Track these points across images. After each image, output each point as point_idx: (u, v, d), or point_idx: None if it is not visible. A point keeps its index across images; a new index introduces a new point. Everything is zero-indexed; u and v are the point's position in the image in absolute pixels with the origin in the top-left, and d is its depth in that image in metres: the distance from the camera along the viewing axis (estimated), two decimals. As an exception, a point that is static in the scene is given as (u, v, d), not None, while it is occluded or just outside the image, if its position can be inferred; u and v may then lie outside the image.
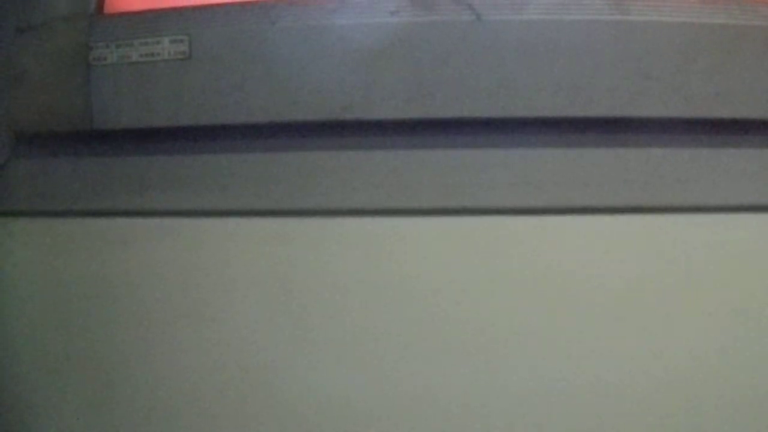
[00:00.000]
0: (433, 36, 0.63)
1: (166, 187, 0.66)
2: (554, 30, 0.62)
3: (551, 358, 0.63)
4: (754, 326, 0.63)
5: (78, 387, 0.69)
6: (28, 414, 0.69)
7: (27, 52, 0.69)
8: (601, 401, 0.63)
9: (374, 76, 0.63)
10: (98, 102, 0.67)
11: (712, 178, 0.63)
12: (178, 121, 0.66)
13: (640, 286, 0.63)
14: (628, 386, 0.63)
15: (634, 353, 0.63)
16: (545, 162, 0.63)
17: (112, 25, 0.67)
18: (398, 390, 0.65)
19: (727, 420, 0.63)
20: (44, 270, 0.68)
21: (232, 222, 0.65)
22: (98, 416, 0.68)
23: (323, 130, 0.64)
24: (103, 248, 0.67)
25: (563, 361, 0.63)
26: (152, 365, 0.67)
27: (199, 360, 0.66)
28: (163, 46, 0.65)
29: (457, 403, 0.64)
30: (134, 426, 0.68)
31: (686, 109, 0.62)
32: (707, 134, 0.63)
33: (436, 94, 0.63)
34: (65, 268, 0.68)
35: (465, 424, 0.64)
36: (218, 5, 0.66)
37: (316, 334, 0.65)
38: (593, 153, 0.63)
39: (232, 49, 0.64)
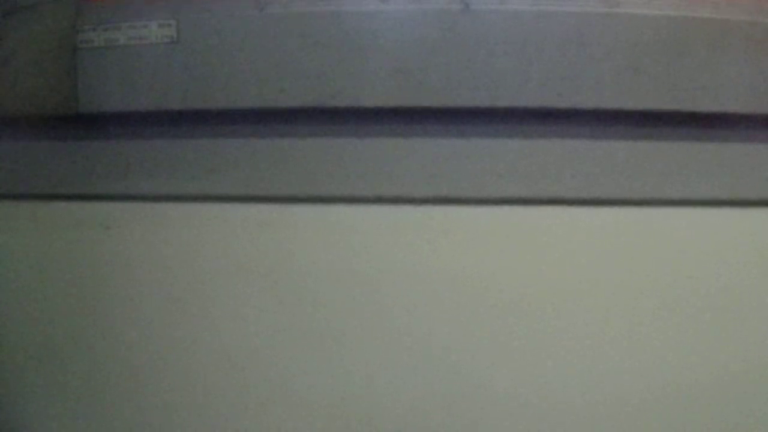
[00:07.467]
0: (421, 24, 0.63)
1: (150, 171, 0.65)
2: (542, 21, 0.62)
3: (543, 353, 0.63)
4: (742, 320, 0.63)
5: (59, 372, 0.68)
6: (9, 402, 0.69)
7: (13, 35, 0.68)
8: (598, 398, 0.63)
9: (362, 63, 0.63)
10: (84, 85, 0.66)
11: (698, 172, 0.63)
12: (164, 105, 0.65)
13: (621, 278, 0.63)
14: (623, 381, 0.63)
15: (627, 349, 0.63)
16: (531, 153, 0.63)
17: (100, 8, 0.67)
18: (389, 382, 0.65)
19: (725, 417, 0.63)
20: (27, 253, 0.68)
21: (216, 207, 0.65)
22: (82, 405, 0.68)
23: (310, 117, 0.64)
24: (88, 232, 0.66)
25: (556, 356, 0.63)
26: (136, 351, 0.67)
27: (183, 345, 0.66)
28: (150, 30, 0.65)
29: (446, 397, 0.64)
30: (120, 414, 0.67)
31: (673, 102, 0.63)
32: (694, 128, 0.63)
33: (424, 82, 0.63)
34: (48, 252, 0.67)
35: (452, 419, 0.64)
36: (206, -10, 0.66)
37: (298, 320, 0.65)
38: (580, 144, 0.63)
39: (220, 35, 0.64)
